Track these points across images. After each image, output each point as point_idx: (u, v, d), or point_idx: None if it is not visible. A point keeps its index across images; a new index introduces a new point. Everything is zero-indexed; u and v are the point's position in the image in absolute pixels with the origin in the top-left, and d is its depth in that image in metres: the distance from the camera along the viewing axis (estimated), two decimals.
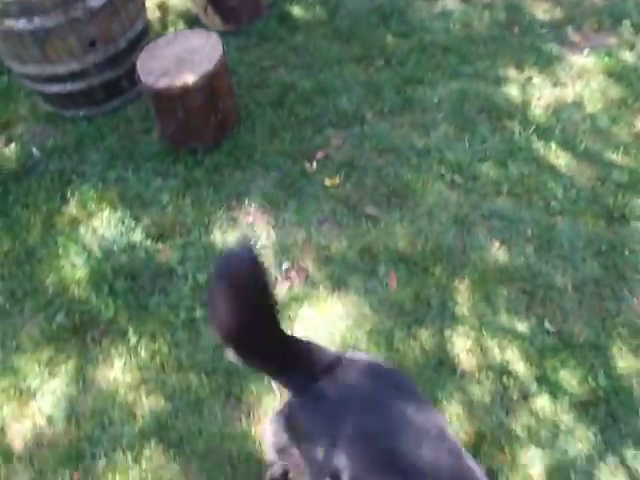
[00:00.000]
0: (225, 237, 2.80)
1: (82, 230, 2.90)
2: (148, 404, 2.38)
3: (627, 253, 2.58)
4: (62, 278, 2.75)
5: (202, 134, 2.99)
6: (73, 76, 3.14)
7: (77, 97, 3.26)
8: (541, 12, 3.72)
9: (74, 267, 2.77)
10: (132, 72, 3.25)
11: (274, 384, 2.32)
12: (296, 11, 3.81)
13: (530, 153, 2.97)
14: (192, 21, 3.82)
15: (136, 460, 2.25)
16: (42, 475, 2.26)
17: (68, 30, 2.92)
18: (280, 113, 3.20)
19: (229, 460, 2.21)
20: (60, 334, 2.60)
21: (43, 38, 2.93)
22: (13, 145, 3.36)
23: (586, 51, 3.42)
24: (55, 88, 3.18)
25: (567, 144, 2.97)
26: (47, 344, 2.58)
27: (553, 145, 2.96)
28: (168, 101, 2.82)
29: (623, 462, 2.13)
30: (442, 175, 2.93)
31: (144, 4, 3.34)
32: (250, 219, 2.86)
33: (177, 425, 2.31)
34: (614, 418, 2.18)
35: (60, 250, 2.84)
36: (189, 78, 2.74)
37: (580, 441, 2.15)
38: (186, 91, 2.76)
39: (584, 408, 2.22)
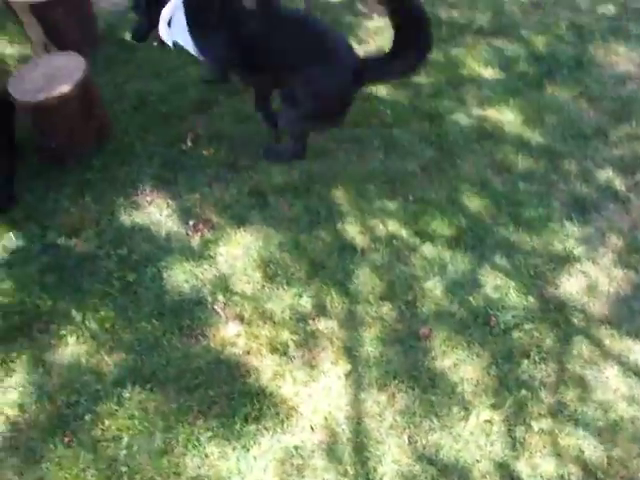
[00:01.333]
0: (132, 218, 3.21)
1: None
2: (112, 360, 2.71)
3: (450, 138, 3.45)
4: None
5: (85, 140, 3.40)
6: None
7: None
8: None
9: None
10: None
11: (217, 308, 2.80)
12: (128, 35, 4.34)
13: None
14: None
15: (119, 404, 2.58)
16: (32, 451, 2.48)
17: None
18: (145, 112, 3.71)
19: (201, 373, 2.63)
20: (4, 336, 2.82)
21: None
22: None
23: (375, 16, 4.36)
24: None
25: None
26: None
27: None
28: (48, 113, 3.21)
29: (494, 267, 2.90)
30: None
31: None
32: (148, 199, 3.31)
33: (145, 365, 2.68)
34: (479, 239, 2.97)
35: None
36: (64, 88, 3.17)
37: (462, 262, 2.90)
38: (64, 100, 3.17)
39: (456, 241, 2.97)
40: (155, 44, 3.40)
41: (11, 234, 3.20)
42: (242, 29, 2.91)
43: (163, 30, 3.02)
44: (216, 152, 3.48)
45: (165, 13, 2.95)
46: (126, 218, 3.22)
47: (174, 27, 3.01)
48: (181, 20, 2.96)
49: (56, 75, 3.27)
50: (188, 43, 3.04)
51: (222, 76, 3.74)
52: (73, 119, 3.28)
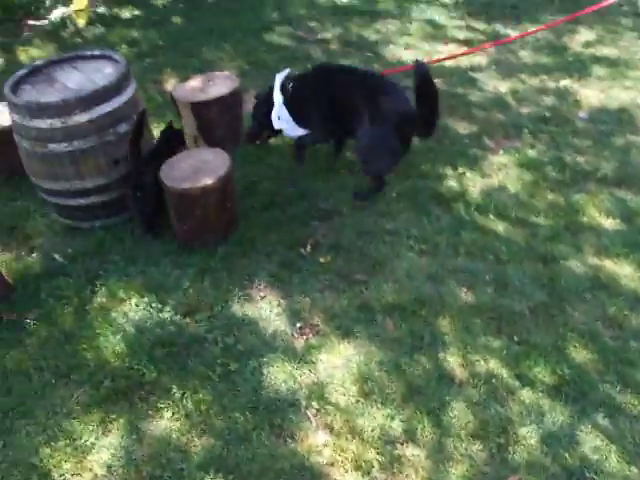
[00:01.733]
0: (244, 310, 3.42)
1: (114, 314, 3.43)
2: (200, 443, 2.84)
3: (563, 283, 3.46)
4: (102, 354, 3.21)
5: (215, 229, 3.71)
6: (98, 190, 3.82)
7: (96, 209, 3.91)
8: (462, 128, 4.88)
9: (112, 344, 3.25)
10: None
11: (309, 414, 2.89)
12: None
13: (475, 224, 3.90)
14: None
15: None
16: None
17: (100, 151, 3.68)
18: (272, 213, 4.00)
19: (283, 474, 2.69)
20: (109, 398, 3.02)
21: (79, 158, 3.65)
22: (35, 254, 3.90)
23: (501, 152, 4.56)
24: (81, 201, 3.83)
25: (501, 215, 3.96)
26: (97, 408, 2.99)
27: (491, 216, 3.93)
28: (189, 201, 3.56)
29: (595, 425, 2.81)
30: (411, 246, 3.77)
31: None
32: (262, 294, 3.52)
33: (230, 455, 2.78)
34: (582, 393, 2.91)
35: (96, 331, 3.33)
36: (208, 180, 3.52)
37: (562, 414, 2.84)
38: (205, 191, 3.52)
39: (557, 390, 2.93)
40: (258, 142, 4.44)
41: (133, 301, 3.49)
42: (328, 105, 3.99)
43: (276, 123, 4.12)
44: (332, 261, 3.68)
45: (274, 113, 4.08)
46: (238, 308, 3.43)
47: (282, 121, 4.10)
48: (285, 114, 4.07)
49: (202, 168, 3.64)
50: (292, 130, 4.16)
51: (322, 141, 4.37)
52: (209, 209, 3.61)
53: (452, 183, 4.29)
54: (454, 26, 6.56)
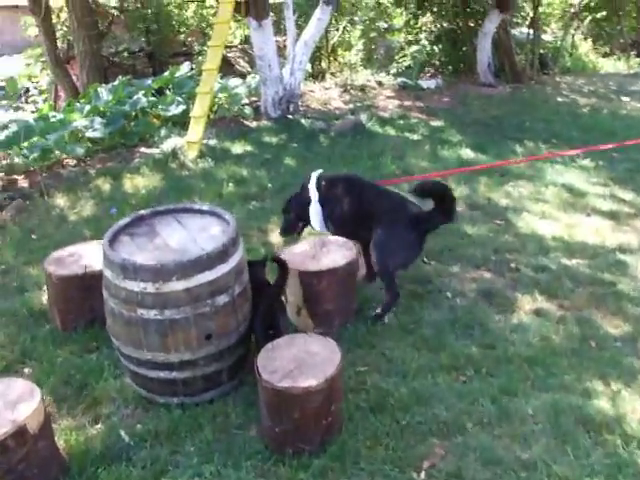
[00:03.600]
0: None
1: None
2: None
3: None
4: None
5: (311, 435, 3.19)
6: (182, 365, 3.44)
7: (177, 385, 3.52)
8: (612, 327, 4.25)
9: None
10: (235, 366, 3.61)
11: None
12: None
13: (637, 467, 3.17)
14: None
15: None
16: None
17: (192, 323, 3.33)
18: (381, 419, 3.45)
19: None
20: None
21: (167, 328, 3.32)
22: (100, 425, 3.50)
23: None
24: (161, 375, 3.46)
25: None
26: None
27: None
28: (286, 401, 3.08)
29: None
30: None
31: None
32: None
33: None
34: None
35: None
36: (312, 381, 3.05)
37: None
38: (308, 393, 3.04)
39: None
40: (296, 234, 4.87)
41: None
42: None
43: (312, 216, 4.62)
44: None
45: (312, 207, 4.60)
46: None
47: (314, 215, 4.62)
48: (318, 210, 4.60)
49: (307, 362, 3.19)
50: (321, 225, 4.65)
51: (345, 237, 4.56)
52: (309, 412, 3.12)
53: (604, 404, 3.60)
54: (596, 194, 6.07)
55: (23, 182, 6.56)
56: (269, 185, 6.20)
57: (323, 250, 4.17)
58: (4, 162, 6.83)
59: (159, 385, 3.57)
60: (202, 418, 3.52)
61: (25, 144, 6.54)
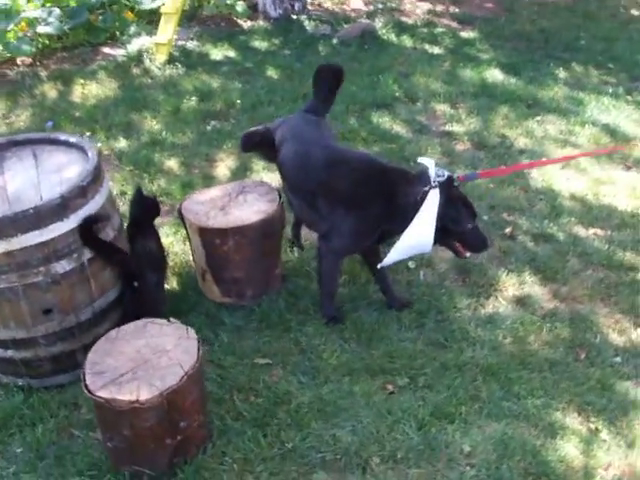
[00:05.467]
0: None
1: None
2: None
3: None
4: None
5: (152, 458, 2.52)
6: (16, 344, 2.84)
7: (17, 365, 2.93)
8: (615, 332, 3.31)
9: None
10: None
11: None
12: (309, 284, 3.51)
13: None
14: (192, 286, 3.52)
15: None
16: None
17: (21, 295, 2.68)
18: (261, 438, 2.70)
19: None
20: None
21: None
22: None
23: None
24: None
25: None
26: None
27: None
28: (112, 414, 2.39)
29: None
30: None
31: None
32: None
33: None
34: None
35: None
36: (142, 394, 2.33)
37: None
38: (134, 409, 2.33)
39: None
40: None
41: None
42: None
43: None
44: None
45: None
46: None
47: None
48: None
49: (150, 363, 2.50)
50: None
51: None
52: (142, 432, 2.42)
53: (570, 449, 2.72)
54: None
55: None
56: (238, 102, 5.28)
57: (238, 199, 3.32)
58: None
59: None
60: (45, 408, 2.89)
61: None
